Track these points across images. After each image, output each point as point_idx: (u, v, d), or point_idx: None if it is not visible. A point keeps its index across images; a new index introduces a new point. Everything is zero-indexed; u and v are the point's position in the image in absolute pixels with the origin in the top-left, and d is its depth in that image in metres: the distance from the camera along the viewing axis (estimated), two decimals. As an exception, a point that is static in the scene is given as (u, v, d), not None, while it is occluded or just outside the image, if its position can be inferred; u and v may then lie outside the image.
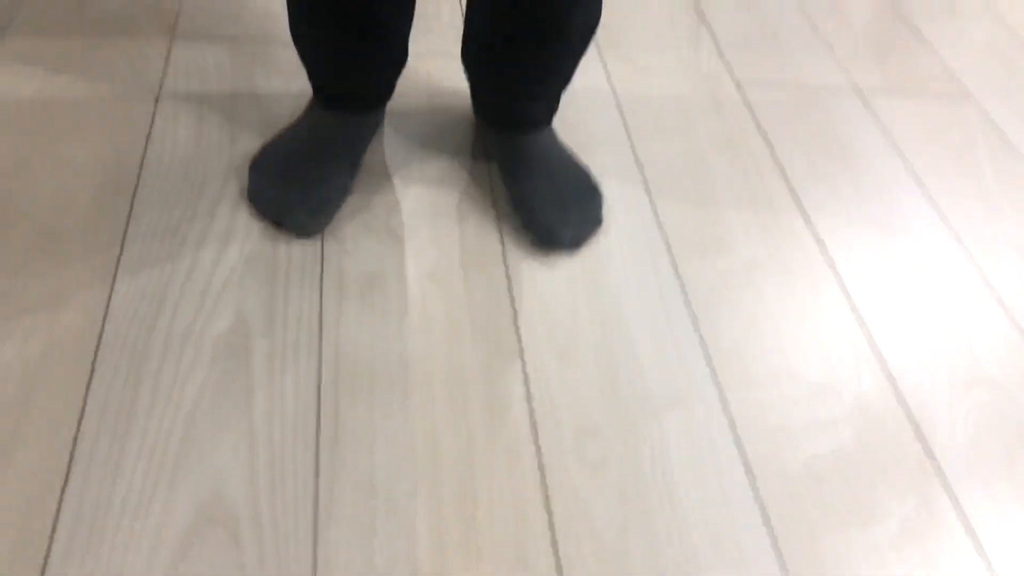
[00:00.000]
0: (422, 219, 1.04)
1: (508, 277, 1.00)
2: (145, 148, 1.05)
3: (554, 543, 0.79)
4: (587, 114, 1.25)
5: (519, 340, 0.94)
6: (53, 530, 0.73)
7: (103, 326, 0.86)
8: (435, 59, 1.28)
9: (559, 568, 0.78)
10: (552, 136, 1.09)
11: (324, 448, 0.81)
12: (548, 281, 1.01)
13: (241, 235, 0.97)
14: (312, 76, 0.99)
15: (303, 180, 0.98)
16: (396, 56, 0.98)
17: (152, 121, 1.09)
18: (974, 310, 1.09)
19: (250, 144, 1.08)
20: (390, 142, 1.13)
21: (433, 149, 1.13)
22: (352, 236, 1.00)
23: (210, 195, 1.01)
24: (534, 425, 0.87)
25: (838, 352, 1.01)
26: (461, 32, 1.29)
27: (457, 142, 1.15)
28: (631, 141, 1.22)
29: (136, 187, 1.00)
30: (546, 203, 1.03)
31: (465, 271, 0.99)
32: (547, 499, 0.82)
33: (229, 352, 0.87)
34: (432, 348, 0.91)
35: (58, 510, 0.74)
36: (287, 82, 1.18)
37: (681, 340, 0.98)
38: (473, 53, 1.01)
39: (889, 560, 0.84)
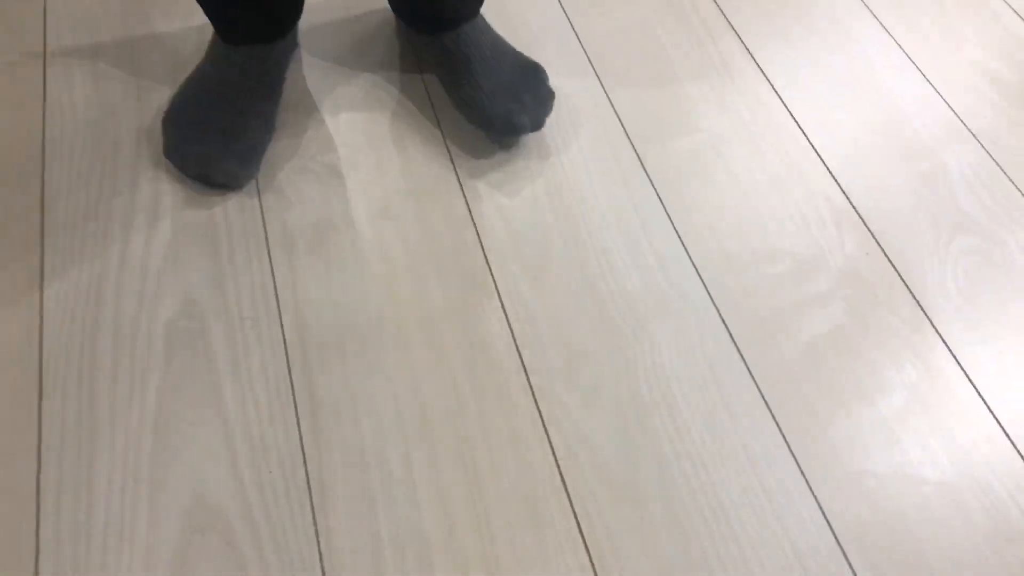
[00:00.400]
0: (361, 150, 0.96)
1: (465, 200, 0.93)
2: (43, 120, 0.95)
3: (562, 481, 0.76)
4: (518, -2, 1.15)
5: (490, 270, 0.88)
6: (36, 570, 0.68)
7: (41, 336, 0.79)
8: (343, -38, 1.16)
9: (571, 506, 0.75)
10: (484, 25, 0.99)
11: (305, 426, 0.77)
12: (509, 196, 0.94)
13: (170, 203, 0.89)
14: (208, 11, 0.89)
15: (222, 126, 0.89)
16: None
17: (44, 87, 0.98)
18: (949, 151, 1.04)
19: (160, 94, 0.98)
20: (309, 65, 1.04)
21: (358, 66, 1.04)
22: (289, 183, 0.92)
23: (127, 161, 0.92)
24: (521, 360, 0.82)
25: (818, 219, 0.96)
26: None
27: (382, 53, 1.06)
28: (568, 19, 1.13)
29: (43, 168, 0.90)
30: (494, 95, 0.95)
31: (418, 202, 0.92)
32: (547, 436, 0.79)
33: (184, 340, 0.80)
34: (399, 295, 0.85)
35: (36, 548, 0.69)
36: (188, 15, 1.06)
37: (658, 239, 0.93)
38: None
39: (900, 432, 0.82)
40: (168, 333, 0.80)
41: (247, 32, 0.90)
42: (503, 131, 0.95)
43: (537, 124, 0.96)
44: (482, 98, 0.95)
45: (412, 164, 0.95)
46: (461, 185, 0.94)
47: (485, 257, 0.89)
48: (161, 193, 0.90)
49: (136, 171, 0.91)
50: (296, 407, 0.78)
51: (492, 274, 0.88)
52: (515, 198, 0.94)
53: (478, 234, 0.91)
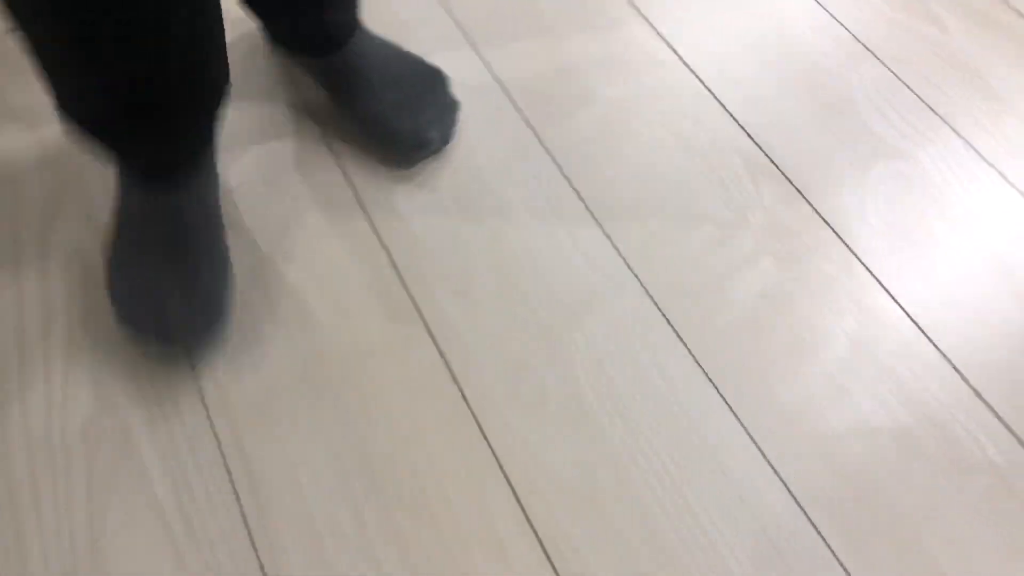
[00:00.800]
0: (253, 191, 0.91)
1: (373, 226, 0.89)
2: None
3: (521, 506, 0.74)
4: (388, -9, 1.09)
5: (409, 295, 0.85)
6: None
7: (-49, 467, 0.75)
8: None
9: (534, 531, 0.73)
10: (369, 33, 0.94)
11: (248, 505, 0.74)
12: (417, 213, 0.90)
13: (60, 297, 0.84)
14: (111, 155, 0.74)
15: (174, 281, 0.78)
16: (215, 80, 0.72)
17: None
18: (851, 73, 1.02)
19: (49, 216, 0.91)
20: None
21: (235, 101, 0.98)
22: (186, 243, 0.87)
23: (7, 270, 0.86)
24: (459, 388, 0.80)
25: (732, 175, 0.94)
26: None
27: (259, 84, 1.00)
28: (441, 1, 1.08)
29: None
30: (399, 111, 0.91)
31: (324, 238, 0.88)
32: (498, 462, 0.76)
33: (104, 440, 0.76)
34: (321, 343, 0.82)
35: None
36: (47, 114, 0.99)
37: (575, 228, 0.90)
38: None
39: (848, 384, 0.81)
40: (85, 436, 0.76)
41: (167, 174, 0.77)
42: (413, 149, 0.91)
43: (446, 138, 0.92)
44: (386, 114, 0.90)
45: (310, 199, 0.91)
46: (366, 212, 0.90)
47: (403, 284, 0.86)
48: (50, 289, 0.84)
49: (19, 272, 0.85)
50: (234, 487, 0.74)
51: (414, 300, 0.85)
52: (423, 213, 0.90)
53: (392, 261, 0.87)
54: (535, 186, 0.92)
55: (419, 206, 0.90)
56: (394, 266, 0.86)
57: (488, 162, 0.94)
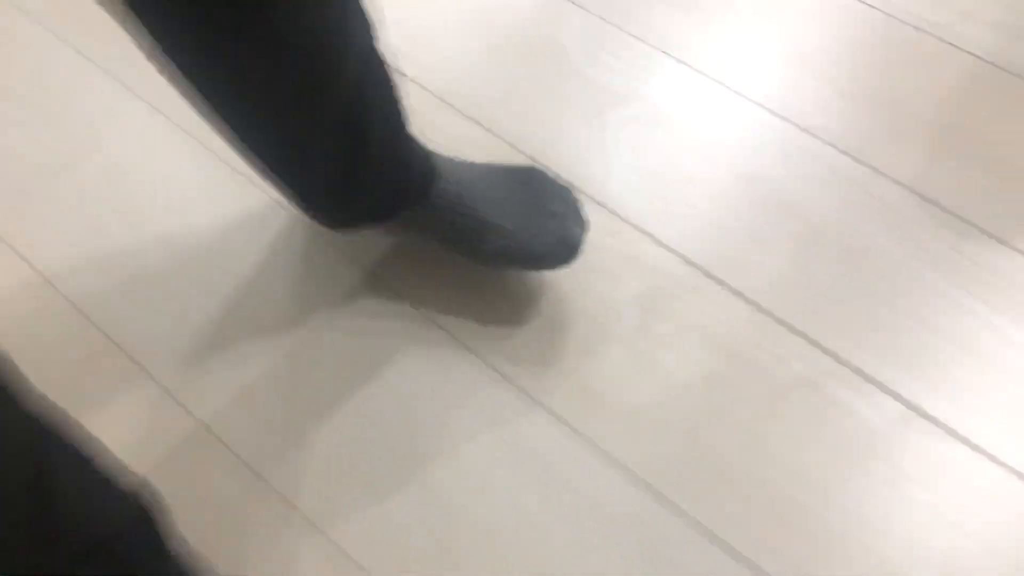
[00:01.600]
0: None
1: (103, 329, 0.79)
2: None
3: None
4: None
5: (194, 416, 0.76)
6: None
7: None
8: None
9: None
10: (446, 160, 0.79)
11: None
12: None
13: None
14: None
15: None
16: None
17: None
18: (557, 29, 1.00)
19: None
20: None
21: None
22: None
23: None
24: (266, 481, 0.73)
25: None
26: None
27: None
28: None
29: None
30: (527, 227, 0.77)
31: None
32: (329, 539, 0.70)
33: None
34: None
35: None
36: None
37: (352, 282, 0.83)
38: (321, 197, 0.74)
39: (647, 346, 0.80)
40: None
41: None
42: (564, 256, 0.78)
43: (585, 226, 0.79)
44: (518, 238, 0.77)
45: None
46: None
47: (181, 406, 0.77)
48: None
49: None
50: None
51: (195, 418, 0.76)
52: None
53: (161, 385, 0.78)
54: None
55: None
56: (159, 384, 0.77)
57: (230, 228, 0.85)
